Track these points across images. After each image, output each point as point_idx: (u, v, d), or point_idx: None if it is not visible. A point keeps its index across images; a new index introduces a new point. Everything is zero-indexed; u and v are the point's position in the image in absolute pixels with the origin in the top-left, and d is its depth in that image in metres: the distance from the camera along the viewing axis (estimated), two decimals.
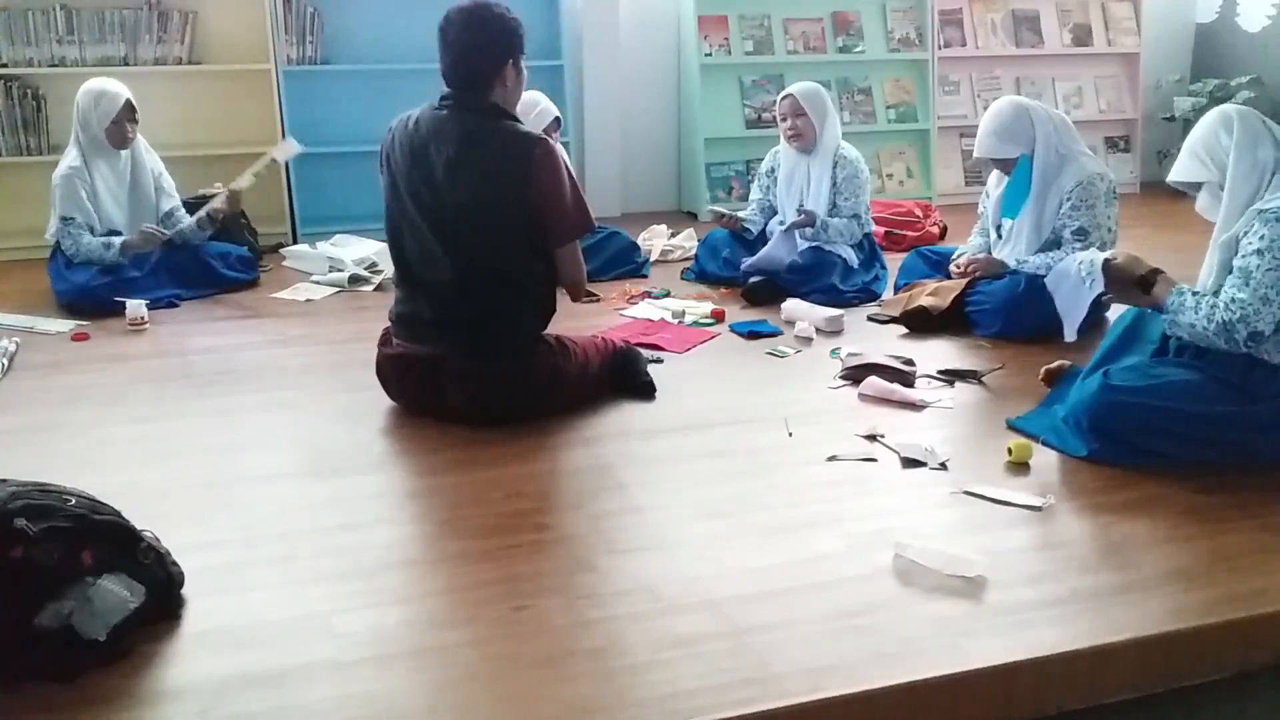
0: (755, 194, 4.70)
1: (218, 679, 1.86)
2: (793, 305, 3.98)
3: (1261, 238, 2.52)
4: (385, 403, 3.14)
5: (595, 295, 4.32)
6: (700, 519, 2.45)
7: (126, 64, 5.19)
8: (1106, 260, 2.86)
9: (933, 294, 3.88)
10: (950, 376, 3.32)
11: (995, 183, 3.97)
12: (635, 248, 4.81)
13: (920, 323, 3.82)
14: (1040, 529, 2.37)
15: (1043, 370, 3.11)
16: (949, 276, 4.02)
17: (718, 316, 3.99)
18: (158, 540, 2.09)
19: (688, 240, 5.06)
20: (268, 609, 2.08)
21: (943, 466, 2.69)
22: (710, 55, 6.02)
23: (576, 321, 3.82)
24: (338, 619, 2.04)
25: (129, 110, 4.33)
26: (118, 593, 1.92)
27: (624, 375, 3.23)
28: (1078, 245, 3.60)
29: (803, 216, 4.32)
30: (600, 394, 3.16)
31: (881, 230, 5.02)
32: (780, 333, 3.83)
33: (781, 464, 2.74)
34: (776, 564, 2.23)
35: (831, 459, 2.75)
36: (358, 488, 2.64)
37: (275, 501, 2.55)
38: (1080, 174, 3.68)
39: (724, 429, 2.97)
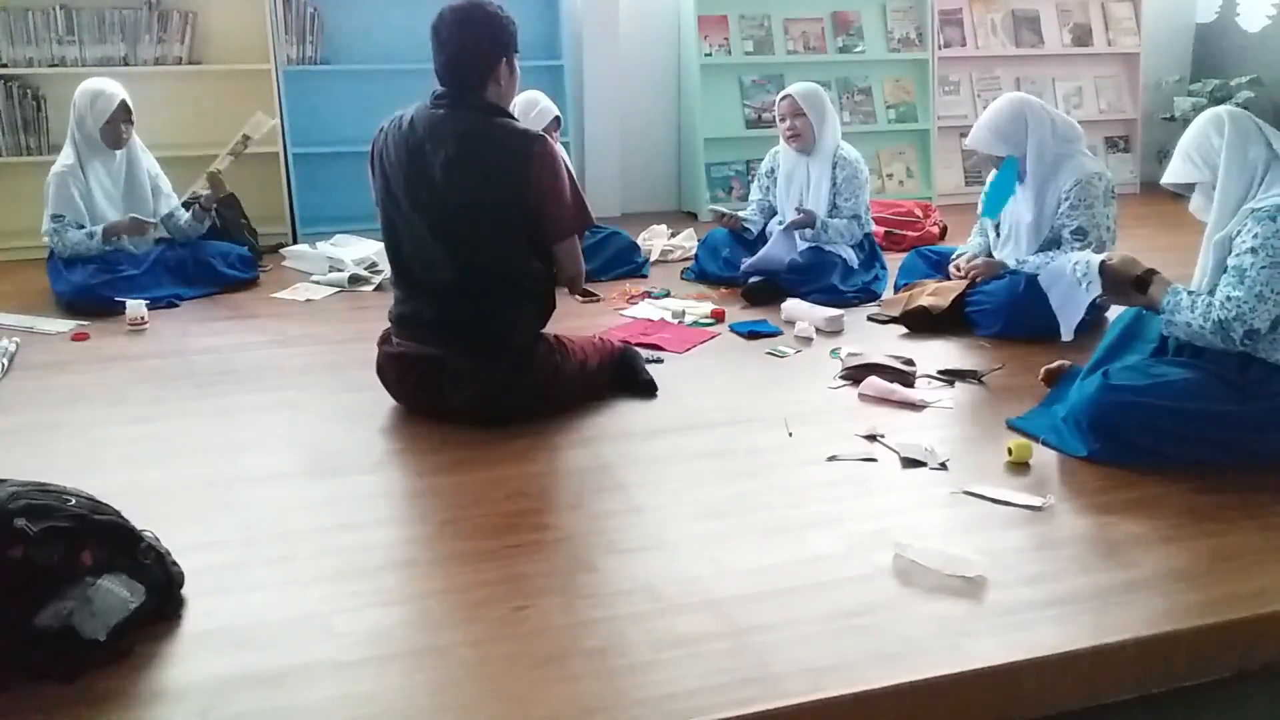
0: (755, 194, 4.71)
1: (218, 679, 1.86)
2: (793, 305, 3.98)
3: (1255, 236, 2.54)
4: (385, 403, 3.14)
5: (595, 295, 4.32)
6: (700, 519, 2.45)
7: (126, 64, 5.20)
8: (1102, 262, 2.86)
9: (933, 294, 3.88)
10: (950, 376, 3.32)
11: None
12: (635, 248, 4.81)
13: (920, 323, 3.82)
14: (1040, 529, 2.37)
15: (1043, 370, 3.11)
16: (949, 276, 4.03)
17: (718, 316, 3.99)
18: (158, 540, 2.09)
19: (688, 240, 5.06)
20: (268, 609, 2.08)
21: (943, 466, 2.69)
22: (710, 55, 6.02)
23: (576, 321, 3.83)
24: (338, 619, 2.04)
25: (124, 111, 4.33)
26: (118, 593, 1.92)
27: (625, 375, 3.23)
28: (1076, 245, 3.60)
29: (802, 216, 4.31)
30: (600, 394, 3.17)
31: (881, 230, 5.02)
32: (780, 333, 3.83)
33: (781, 464, 2.74)
34: (776, 564, 2.23)
35: (831, 459, 2.75)
36: (358, 488, 2.64)
37: (275, 501, 2.55)
38: (1078, 173, 3.68)
39: (724, 429, 2.97)
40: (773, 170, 4.59)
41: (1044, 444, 2.77)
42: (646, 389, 3.22)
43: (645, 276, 4.69)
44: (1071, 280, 3.06)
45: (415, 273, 2.99)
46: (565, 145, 5.23)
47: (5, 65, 5.11)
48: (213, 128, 5.26)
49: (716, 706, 1.77)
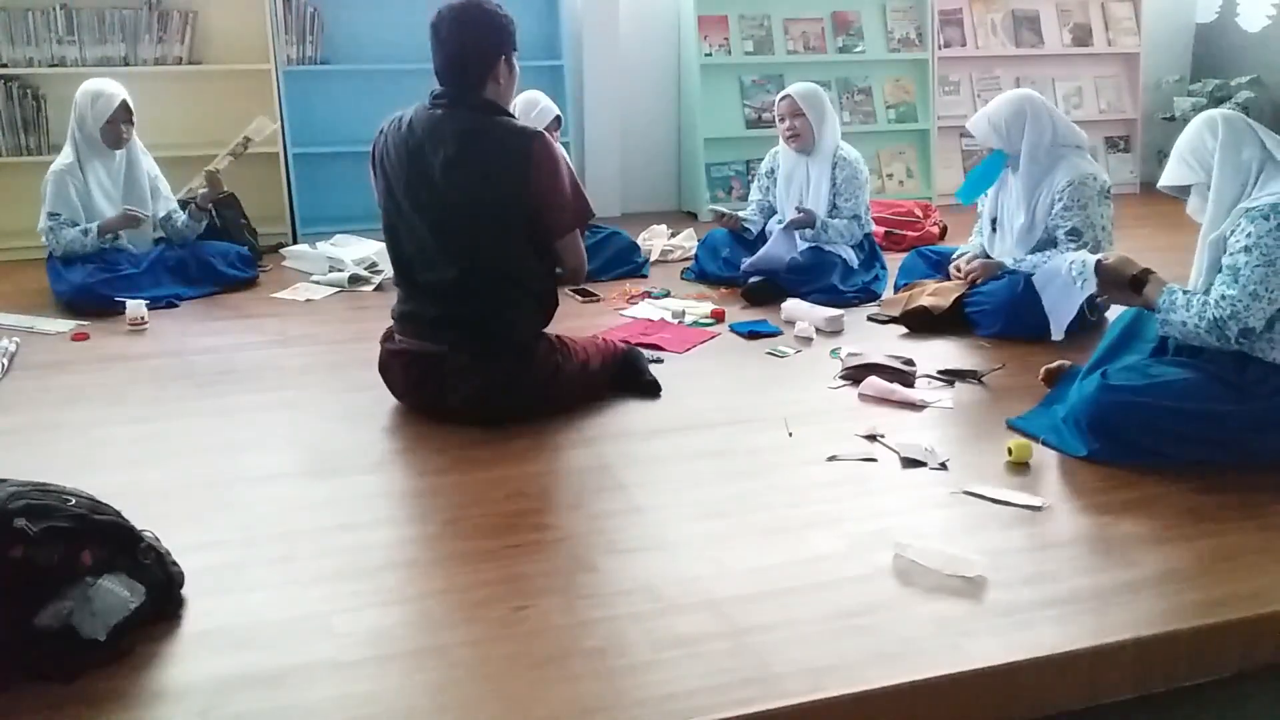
0: (755, 194, 4.71)
1: (218, 679, 1.86)
2: (793, 305, 3.98)
3: (1249, 235, 2.55)
4: (385, 403, 3.14)
5: (595, 295, 4.33)
6: (700, 519, 2.45)
7: (126, 64, 5.20)
8: (1098, 261, 2.87)
9: (933, 294, 3.88)
10: (950, 376, 3.32)
11: (996, 183, 3.97)
12: (635, 248, 4.81)
13: (920, 323, 3.82)
14: (1040, 529, 2.37)
15: (1043, 370, 3.11)
16: (949, 276, 4.03)
17: (718, 316, 3.99)
18: (158, 540, 2.09)
19: (688, 240, 5.06)
20: (268, 609, 2.08)
21: (943, 466, 2.69)
22: (710, 55, 6.02)
23: (577, 321, 3.83)
24: (338, 619, 2.04)
25: (125, 111, 4.34)
26: (118, 593, 1.92)
27: (628, 375, 3.23)
28: (1071, 246, 3.60)
29: (802, 215, 4.31)
30: (601, 394, 3.17)
31: (881, 230, 5.02)
32: (780, 333, 3.83)
33: (781, 464, 2.75)
34: (776, 564, 2.23)
35: (831, 459, 2.75)
36: (358, 488, 2.64)
37: (275, 501, 2.55)
38: (1072, 173, 3.68)
39: (724, 429, 2.97)
40: (772, 170, 4.59)
41: (1044, 444, 2.77)
42: (650, 389, 3.22)
43: (645, 276, 4.69)
44: (1066, 279, 3.08)
45: (417, 273, 2.99)
46: (565, 145, 5.23)
47: (5, 65, 5.11)
48: (213, 128, 5.26)
49: (716, 706, 1.77)
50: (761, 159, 4.71)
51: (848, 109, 6.23)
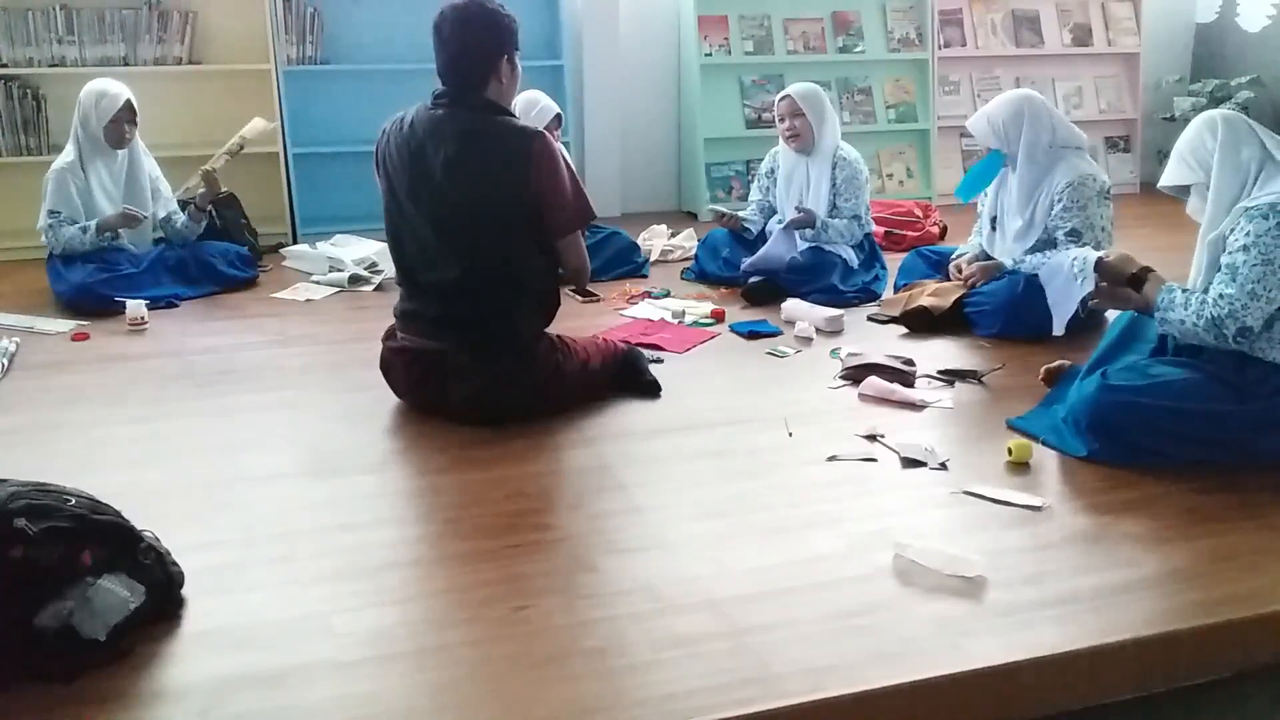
0: (755, 194, 4.71)
1: (218, 679, 1.86)
2: (793, 305, 3.98)
3: (1247, 234, 2.55)
4: (386, 402, 3.14)
5: (595, 295, 4.33)
6: (700, 519, 2.45)
7: (126, 64, 5.19)
8: (1099, 258, 2.88)
9: (933, 294, 3.88)
10: (950, 376, 3.32)
11: (996, 182, 3.97)
12: (635, 248, 4.81)
13: (920, 323, 3.82)
14: (1040, 529, 2.37)
15: (1043, 370, 3.11)
16: (949, 276, 4.03)
17: (718, 316, 3.99)
18: (158, 540, 2.09)
19: (688, 240, 5.06)
20: (268, 609, 2.08)
21: (943, 466, 2.69)
22: (710, 55, 6.01)
23: (577, 321, 3.83)
24: (338, 619, 2.04)
25: (129, 110, 4.34)
26: (118, 593, 1.92)
27: (629, 375, 3.23)
28: (1071, 246, 3.60)
29: (802, 215, 4.32)
30: (601, 393, 3.17)
31: (881, 230, 5.02)
32: (780, 333, 3.83)
33: (781, 464, 2.75)
34: (776, 564, 2.23)
35: (831, 459, 2.75)
36: (358, 488, 2.64)
37: (275, 501, 2.55)
38: (1071, 174, 3.68)
39: (724, 429, 2.97)
40: (772, 170, 4.59)
41: (1044, 444, 2.77)
42: (650, 390, 3.22)
43: (645, 276, 4.69)
44: (1069, 276, 3.08)
45: (419, 272, 3.00)
46: (565, 145, 5.22)
47: (5, 65, 5.11)
48: (213, 128, 5.26)
49: (716, 706, 1.77)
50: (761, 159, 4.71)
51: (848, 109, 6.23)
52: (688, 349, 3.69)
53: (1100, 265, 2.86)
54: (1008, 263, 3.82)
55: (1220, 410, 2.60)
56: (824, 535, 2.35)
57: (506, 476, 2.67)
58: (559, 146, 2.99)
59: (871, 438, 2.87)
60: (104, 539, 1.97)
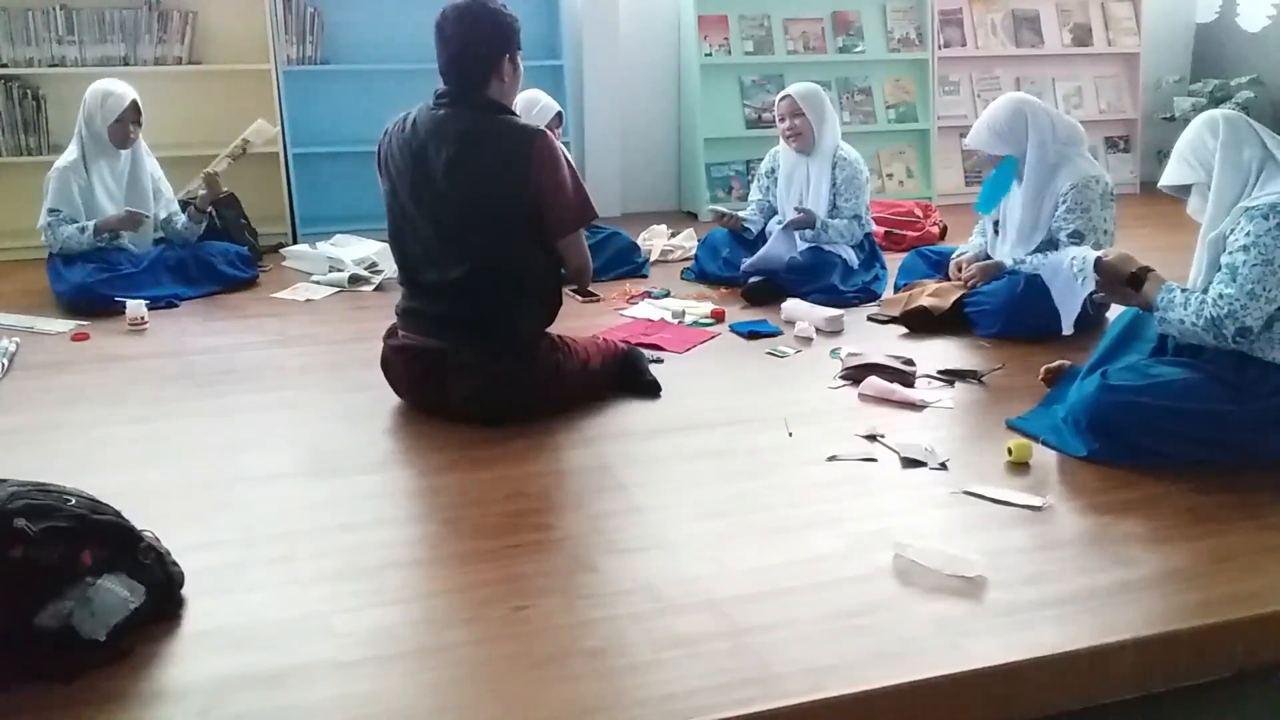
0: (755, 194, 4.70)
1: (218, 679, 1.86)
2: (793, 305, 3.98)
3: (1248, 234, 2.55)
4: (386, 403, 3.14)
5: (595, 295, 4.33)
6: (700, 519, 2.45)
7: (126, 64, 5.20)
8: (1098, 258, 2.88)
9: (933, 294, 3.88)
10: (950, 376, 3.32)
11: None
12: (635, 248, 4.81)
13: (920, 323, 3.82)
14: (1040, 529, 2.37)
15: (1043, 370, 3.11)
16: (949, 276, 4.03)
17: (718, 316, 3.99)
18: (158, 540, 2.09)
19: (688, 240, 5.06)
20: (268, 609, 2.08)
21: (943, 466, 2.69)
22: (710, 55, 6.01)
23: (577, 321, 3.83)
24: (338, 619, 2.04)
25: (134, 111, 4.36)
26: (118, 593, 1.92)
27: (629, 375, 3.23)
28: (1073, 247, 3.60)
29: (801, 215, 4.32)
30: (601, 393, 3.17)
31: (881, 230, 5.02)
32: (780, 333, 3.83)
33: (781, 464, 2.75)
34: (776, 564, 2.23)
35: (831, 459, 2.75)
36: (358, 488, 2.64)
37: (275, 501, 2.55)
38: (1075, 176, 3.68)
39: (724, 429, 2.97)
40: (773, 170, 4.59)
41: (1044, 444, 2.77)
42: (650, 390, 3.22)
43: (645, 276, 4.69)
44: (1069, 275, 3.08)
45: (421, 272, 3.00)
46: (565, 144, 5.21)
47: (5, 65, 5.11)
48: (213, 128, 5.26)
49: (716, 706, 1.77)
50: (761, 159, 4.71)
51: (848, 109, 6.23)
52: (688, 349, 3.69)
53: (1099, 265, 2.86)
54: (1009, 263, 3.82)
55: (1220, 410, 2.60)
56: (824, 535, 2.35)
57: (506, 476, 2.67)
58: (560, 146, 2.99)
59: (871, 438, 2.87)
60: (104, 539, 1.97)
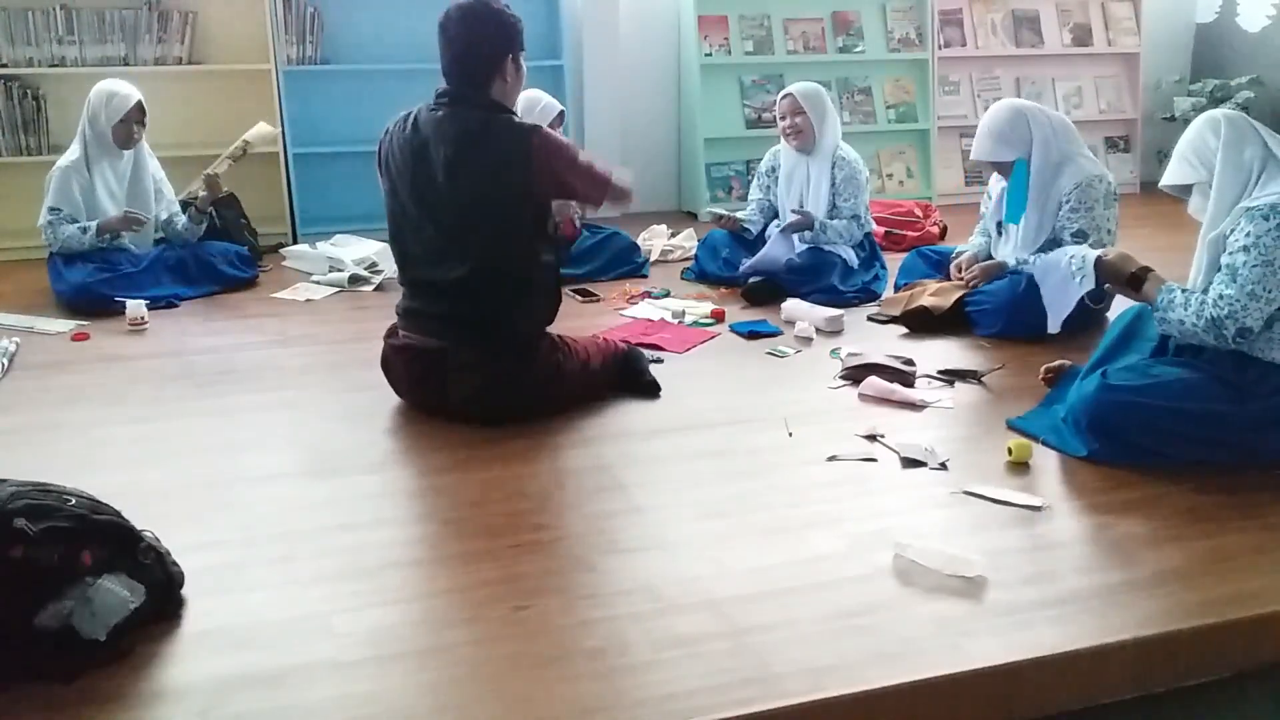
0: (755, 193, 4.70)
1: (218, 679, 1.86)
2: (793, 305, 3.98)
3: (1248, 234, 2.55)
4: (386, 403, 3.14)
5: (595, 295, 4.33)
6: (700, 519, 2.45)
7: (126, 64, 5.20)
8: (1098, 257, 2.88)
9: (933, 294, 3.88)
10: (950, 376, 3.32)
11: (996, 182, 3.97)
12: (635, 248, 4.81)
13: (920, 323, 3.82)
14: (1040, 529, 2.37)
15: (1043, 370, 3.11)
16: (949, 276, 4.03)
17: (718, 316, 3.99)
18: (158, 540, 2.09)
19: (688, 240, 5.06)
20: (268, 609, 2.08)
21: (943, 466, 2.69)
22: (710, 55, 6.01)
23: (577, 321, 3.83)
24: (338, 619, 2.04)
25: (139, 111, 4.37)
26: (118, 593, 1.92)
27: (629, 375, 3.23)
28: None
29: (799, 218, 4.32)
30: (601, 393, 3.17)
31: (881, 230, 5.02)
32: (780, 333, 3.83)
33: (781, 464, 2.75)
34: (776, 564, 2.23)
35: (831, 459, 2.75)
36: (358, 488, 2.64)
37: (275, 501, 2.55)
38: (1079, 176, 3.68)
39: (724, 429, 2.97)
40: (773, 169, 4.59)
41: (1044, 444, 2.77)
42: (650, 390, 3.22)
43: (645, 276, 4.69)
44: (1065, 273, 3.08)
45: (421, 271, 3.00)
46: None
47: (5, 65, 5.11)
48: (212, 128, 5.27)
49: (716, 706, 1.77)
50: (761, 159, 4.71)
51: (848, 109, 6.23)
52: (688, 349, 3.69)
53: (1099, 264, 2.86)
54: (1011, 263, 3.82)
55: (1220, 410, 2.60)
56: (824, 535, 2.35)
57: (506, 476, 2.67)
58: (558, 134, 2.99)
59: (871, 438, 2.87)
60: (104, 539, 1.97)
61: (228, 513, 2.49)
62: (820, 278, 4.22)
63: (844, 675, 1.85)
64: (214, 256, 4.54)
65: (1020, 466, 2.67)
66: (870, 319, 3.99)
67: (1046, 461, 2.71)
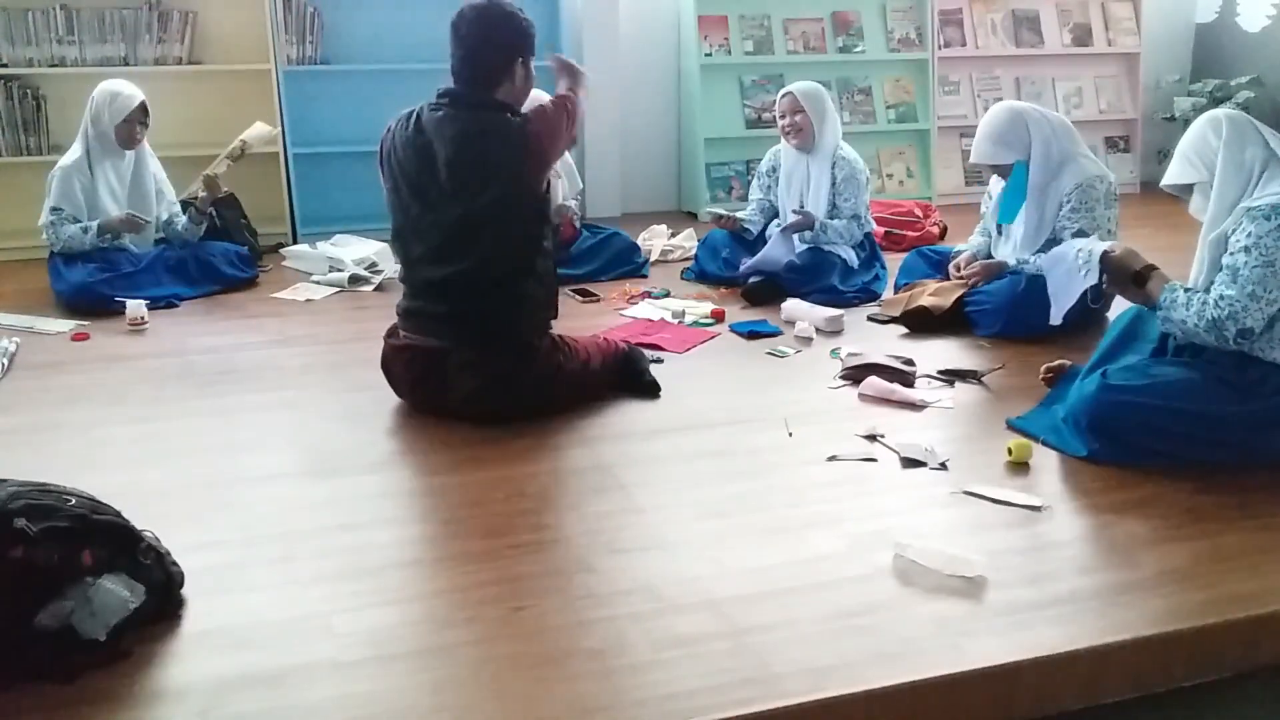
0: (755, 193, 4.70)
1: (218, 679, 1.86)
2: (793, 305, 3.98)
3: (1249, 235, 2.55)
4: (386, 403, 3.14)
5: (595, 295, 4.33)
6: (700, 519, 2.45)
7: (126, 64, 5.19)
8: (1105, 252, 2.87)
9: (934, 294, 3.88)
10: (950, 376, 3.32)
11: (996, 182, 3.97)
12: (635, 248, 4.81)
13: (920, 323, 3.82)
14: (1040, 529, 2.37)
15: (1043, 370, 3.11)
16: (949, 276, 4.03)
17: (718, 316, 3.99)
18: (158, 540, 2.09)
19: (688, 240, 5.06)
20: (268, 609, 2.08)
21: (943, 466, 2.69)
22: (710, 55, 6.01)
23: (577, 321, 3.83)
24: (338, 619, 2.04)
25: (142, 111, 4.37)
26: (118, 593, 1.92)
27: (629, 375, 3.23)
28: None
29: (799, 219, 4.32)
30: (601, 393, 3.17)
31: (881, 230, 5.02)
32: (780, 333, 3.83)
33: (781, 464, 2.74)
34: (776, 564, 2.23)
35: (831, 459, 2.75)
36: (358, 488, 2.64)
37: (275, 501, 2.55)
38: (1079, 176, 3.68)
39: (724, 429, 2.97)
40: (774, 169, 4.59)
41: (1044, 444, 2.77)
42: (650, 390, 3.22)
43: (645, 276, 4.69)
44: (1072, 266, 3.08)
45: (422, 270, 3.00)
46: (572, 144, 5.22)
47: (5, 65, 5.11)
48: (212, 128, 5.26)
49: (716, 706, 1.77)
50: (761, 159, 4.71)
51: (848, 109, 6.23)
52: (688, 349, 3.69)
53: (1106, 259, 2.86)
54: (1011, 262, 3.82)
55: (1221, 410, 2.60)
56: (824, 535, 2.35)
57: (506, 476, 2.67)
58: (546, 110, 2.99)
59: (871, 438, 2.87)
60: (104, 539, 1.97)
61: (228, 513, 2.49)
62: (820, 278, 4.22)
63: (844, 675, 1.85)
64: (214, 256, 4.54)
65: (1020, 466, 2.67)
66: (870, 319, 3.99)
67: (1046, 461, 2.71)
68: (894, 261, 4.50)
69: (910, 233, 5.26)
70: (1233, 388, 2.61)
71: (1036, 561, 2.23)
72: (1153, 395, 2.63)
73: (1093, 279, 2.94)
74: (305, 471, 2.74)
